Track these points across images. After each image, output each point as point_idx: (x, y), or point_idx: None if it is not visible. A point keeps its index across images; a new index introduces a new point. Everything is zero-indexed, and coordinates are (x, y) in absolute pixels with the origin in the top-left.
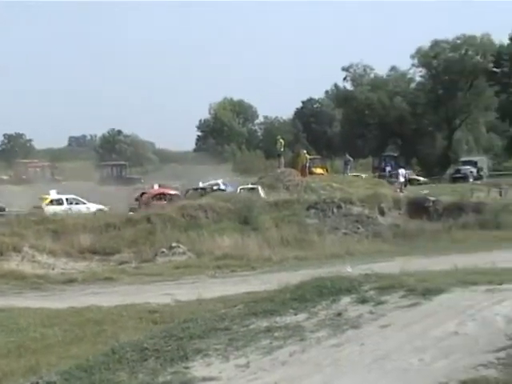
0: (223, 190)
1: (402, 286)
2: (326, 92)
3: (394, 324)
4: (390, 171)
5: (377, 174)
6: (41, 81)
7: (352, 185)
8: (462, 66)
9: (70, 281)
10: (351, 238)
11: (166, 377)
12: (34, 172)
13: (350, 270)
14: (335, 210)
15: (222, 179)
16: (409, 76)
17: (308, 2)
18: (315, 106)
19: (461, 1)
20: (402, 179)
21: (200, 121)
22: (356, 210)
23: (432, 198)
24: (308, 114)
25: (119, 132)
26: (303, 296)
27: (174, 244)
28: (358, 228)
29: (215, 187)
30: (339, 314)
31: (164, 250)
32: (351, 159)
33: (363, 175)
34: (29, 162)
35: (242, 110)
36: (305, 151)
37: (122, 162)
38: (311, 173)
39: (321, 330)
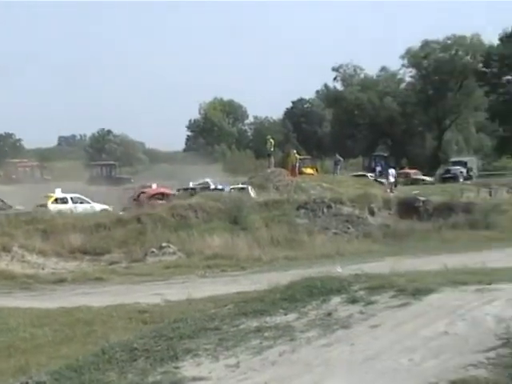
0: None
1: (392, 286)
2: (317, 92)
3: (384, 324)
4: (380, 171)
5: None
6: (30, 80)
7: (342, 185)
8: (452, 67)
9: (60, 281)
10: (341, 238)
11: (155, 377)
12: (23, 172)
13: (340, 270)
14: (325, 210)
15: (210, 178)
16: (399, 76)
17: (297, 2)
18: (305, 106)
19: (451, 1)
20: (391, 179)
21: (190, 121)
22: (346, 210)
23: (422, 198)
24: (298, 114)
25: (109, 132)
26: (293, 296)
27: (164, 244)
28: (348, 228)
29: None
30: (329, 314)
31: (154, 249)
32: (341, 159)
33: (369, 174)
34: (18, 162)
35: (231, 110)
36: (295, 151)
37: (112, 162)
38: (301, 173)
39: (311, 330)
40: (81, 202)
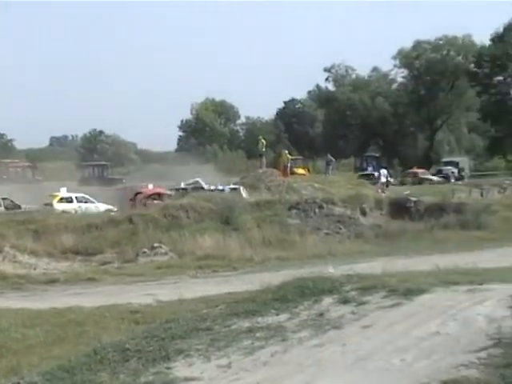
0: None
1: (383, 286)
2: (308, 92)
3: (375, 324)
4: (371, 171)
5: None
6: (22, 80)
7: (334, 185)
8: (444, 67)
9: (52, 281)
10: (333, 239)
11: (147, 377)
12: (14, 172)
13: (331, 270)
14: (317, 211)
15: (200, 178)
16: (390, 77)
17: (287, 2)
18: (297, 106)
19: (442, 1)
20: (383, 179)
21: (182, 121)
22: (338, 210)
23: (413, 199)
24: (290, 115)
25: (101, 132)
26: (285, 296)
27: (155, 244)
28: (340, 228)
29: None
30: (321, 315)
31: (146, 250)
32: (333, 159)
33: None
34: (10, 162)
35: (223, 111)
36: (286, 151)
37: (104, 163)
38: (293, 173)
39: (303, 331)
40: (85, 202)
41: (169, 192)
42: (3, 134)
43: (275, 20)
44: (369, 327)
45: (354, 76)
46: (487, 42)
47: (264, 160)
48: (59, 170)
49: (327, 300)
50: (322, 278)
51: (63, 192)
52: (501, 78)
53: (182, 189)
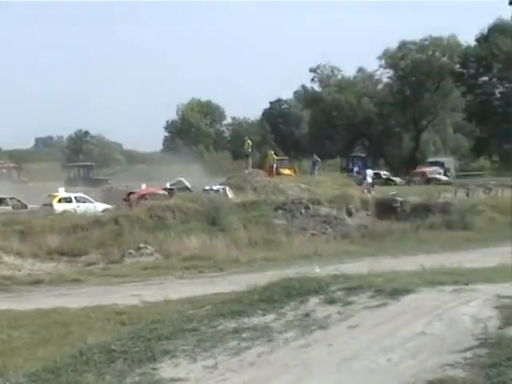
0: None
1: (369, 286)
2: (294, 93)
3: (362, 324)
4: (357, 171)
5: (345, 174)
6: (7, 81)
7: (320, 185)
8: (429, 67)
9: (37, 282)
10: (319, 239)
11: (133, 378)
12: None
13: (318, 270)
14: (303, 211)
15: (183, 177)
16: (376, 77)
17: (272, 2)
18: (283, 106)
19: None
20: (369, 180)
21: (167, 121)
22: (324, 210)
23: (399, 199)
24: (276, 115)
25: (86, 133)
26: (271, 297)
27: (141, 245)
28: (326, 229)
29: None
30: (307, 315)
31: (132, 251)
32: (319, 160)
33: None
34: None
35: (209, 111)
36: (272, 152)
37: (89, 163)
38: (279, 173)
39: (289, 331)
40: (84, 202)
41: (163, 192)
42: None
43: (262, 20)
44: (355, 327)
45: (339, 76)
46: (472, 43)
47: (250, 160)
48: (45, 170)
49: (313, 300)
50: (308, 279)
51: (62, 192)
52: (486, 78)
53: (169, 189)
